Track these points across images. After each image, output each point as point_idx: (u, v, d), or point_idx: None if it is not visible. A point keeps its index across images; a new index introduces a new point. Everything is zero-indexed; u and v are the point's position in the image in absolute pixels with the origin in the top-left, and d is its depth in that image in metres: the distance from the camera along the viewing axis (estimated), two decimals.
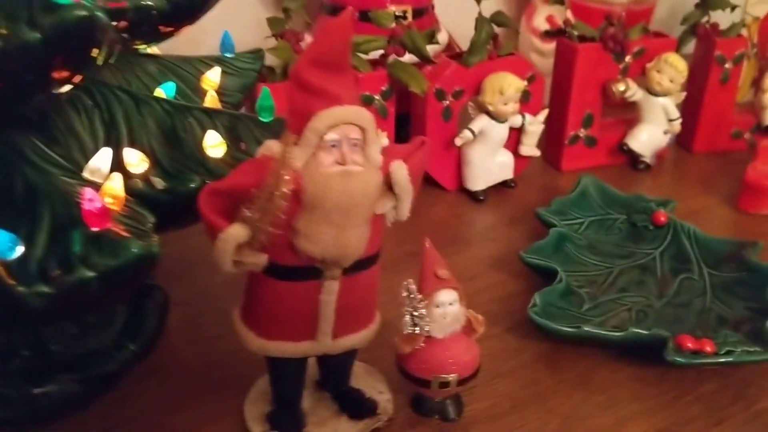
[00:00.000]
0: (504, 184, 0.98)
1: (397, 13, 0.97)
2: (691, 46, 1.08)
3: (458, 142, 0.92)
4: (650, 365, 0.66)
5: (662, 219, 0.83)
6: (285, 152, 0.46)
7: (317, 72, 0.46)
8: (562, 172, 1.04)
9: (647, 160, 1.04)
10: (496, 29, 0.92)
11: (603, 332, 0.65)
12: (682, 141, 1.11)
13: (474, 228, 0.92)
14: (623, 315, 0.72)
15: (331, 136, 0.46)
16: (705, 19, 1.04)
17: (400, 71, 0.85)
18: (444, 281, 0.57)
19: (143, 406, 0.62)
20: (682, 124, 1.11)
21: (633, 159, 1.04)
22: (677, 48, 1.05)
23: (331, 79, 0.46)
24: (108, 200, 0.48)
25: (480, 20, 0.88)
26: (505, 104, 0.90)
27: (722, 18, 1.09)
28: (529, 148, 0.98)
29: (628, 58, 0.99)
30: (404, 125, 0.96)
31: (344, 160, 0.47)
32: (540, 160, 1.06)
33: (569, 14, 1.08)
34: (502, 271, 0.81)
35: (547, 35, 1.02)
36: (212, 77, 0.71)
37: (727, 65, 1.04)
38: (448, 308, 0.57)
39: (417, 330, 0.56)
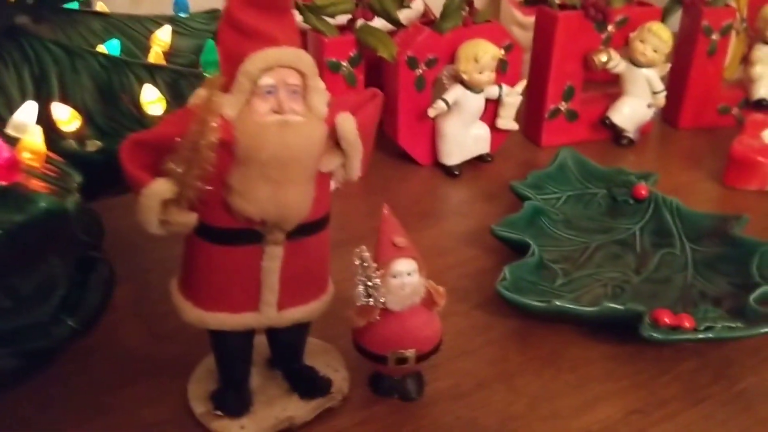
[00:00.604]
0: (480, 159, 0.93)
1: None
2: (678, 18, 1.04)
3: (431, 113, 0.88)
4: (626, 343, 0.62)
5: (643, 192, 0.79)
6: (210, 98, 0.41)
7: (251, 11, 0.42)
8: (542, 147, 0.99)
9: (630, 135, 1.00)
10: None
11: (575, 307, 0.61)
12: (668, 116, 1.07)
13: (447, 203, 0.88)
14: (598, 291, 0.67)
15: (265, 80, 0.42)
16: None
17: (368, 35, 0.80)
18: (401, 250, 0.52)
19: (82, 385, 0.58)
20: (668, 98, 1.07)
21: (616, 134, 1.00)
22: (662, 18, 1.01)
23: (267, 20, 0.42)
24: (26, 155, 0.44)
25: None
26: (481, 73, 0.86)
27: None
28: (507, 120, 0.93)
29: (610, 28, 0.95)
30: None
31: (281, 108, 0.42)
32: (519, 135, 1.02)
33: None
34: (474, 247, 0.77)
35: (527, 3, 0.97)
36: (162, 37, 0.67)
37: (713, 36, 1.00)
38: (406, 279, 0.52)
39: (371, 301, 0.52)
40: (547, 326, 0.64)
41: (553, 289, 0.67)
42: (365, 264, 0.51)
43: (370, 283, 0.51)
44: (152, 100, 0.52)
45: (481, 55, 0.84)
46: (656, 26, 0.93)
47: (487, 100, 0.91)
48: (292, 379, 0.56)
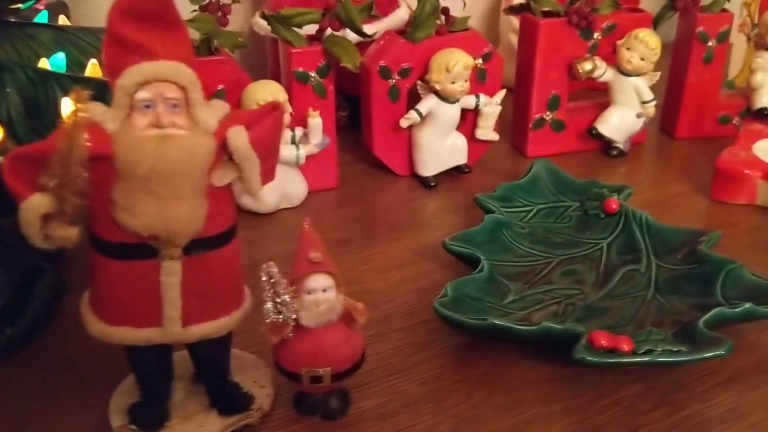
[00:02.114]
0: (458, 170, 0.91)
1: None
2: (673, 24, 1.00)
3: (403, 123, 0.86)
4: (569, 365, 0.59)
5: (614, 206, 0.76)
6: (77, 112, 0.41)
7: (131, 24, 0.41)
8: (528, 157, 0.97)
9: (620, 145, 0.96)
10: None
11: (510, 325, 0.58)
12: (665, 126, 1.04)
13: (419, 215, 0.86)
14: (551, 308, 0.65)
15: (142, 95, 0.41)
16: None
17: (334, 45, 0.79)
18: (317, 265, 0.51)
19: (11, 395, 0.58)
20: (664, 107, 1.03)
21: (605, 145, 0.97)
22: (654, 24, 0.97)
23: (148, 33, 0.42)
24: None
25: None
26: (453, 83, 0.84)
27: None
28: (486, 131, 0.91)
29: (596, 35, 0.92)
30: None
31: (159, 123, 0.42)
32: (506, 145, 1.00)
33: None
34: (432, 260, 0.75)
35: (511, 11, 0.95)
36: None
37: (710, 43, 0.96)
38: (320, 295, 0.51)
39: (281, 318, 0.51)
40: (490, 345, 0.62)
41: (501, 306, 0.65)
42: (273, 280, 0.50)
43: (279, 300, 0.50)
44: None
45: (452, 64, 0.83)
46: (643, 33, 0.90)
47: (465, 111, 0.89)
48: (213, 395, 0.55)
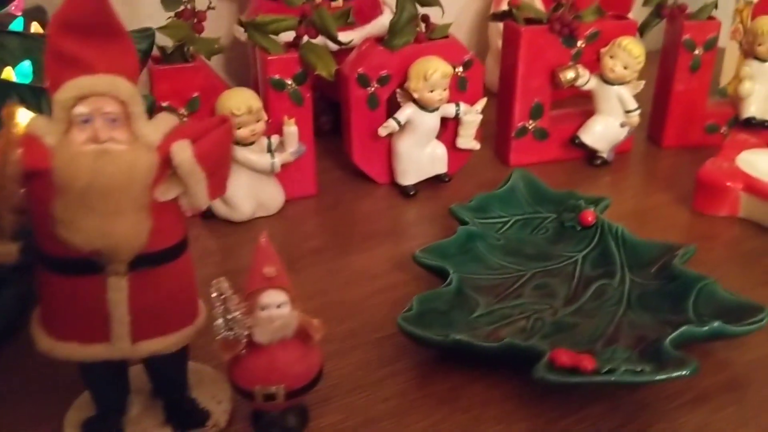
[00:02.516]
0: (438, 179, 0.90)
1: None
2: (660, 32, 0.99)
3: (382, 132, 0.86)
4: (534, 382, 0.58)
5: (589, 219, 0.74)
6: (9, 128, 0.40)
7: (71, 36, 0.41)
8: (510, 166, 0.96)
9: (604, 155, 0.95)
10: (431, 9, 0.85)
11: (473, 342, 0.57)
12: (652, 134, 1.02)
13: (396, 224, 0.85)
14: (519, 324, 0.64)
15: (79, 109, 0.41)
16: (671, 0, 0.94)
17: (309, 53, 0.79)
18: (271, 280, 0.50)
19: None
20: (651, 116, 1.02)
21: (589, 154, 0.96)
22: (641, 32, 0.96)
23: (89, 46, 0.41)
24: None
25: None
26: (431, 91, 0.83)
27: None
28: (466, 140, 0.90)
29: (580, 43, 0.91)
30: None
31: (97, 138, 0.41)
32: (490, 154, 0.99)
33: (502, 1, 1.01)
34: (406, 271, 0.74)
35: (494, 18, 0.94)
36: None
37: (697, 51, 0.95)
38: (274, 311, 0.50)
39: (232, 335, 0.50)
40: (458, 361, 0.61)
41: (469, 320, 0.64)
42: (223, 296, 0.49)
43: (229, 316, 0.49)
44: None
45: (430, 73, 0.82)
46: (626, 41, 0.88)
47: (446, 119, 0.88)
48: (169, 410, 0.54)
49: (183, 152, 0.43)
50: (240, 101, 0.76)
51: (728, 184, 0.81)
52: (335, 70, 0.79)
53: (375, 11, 0.98)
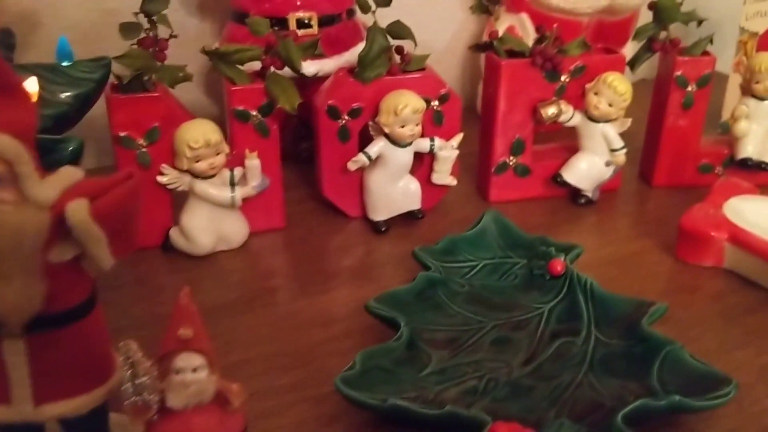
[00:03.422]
0: (411, 215, 0.87)
1: (304, 20, 0.89)
2: (653, 65, 0.95)
3: (351, 166, 0.82)
4: None
5: (558, 268, 0.70)
6: None
7: None
8: (491, 203, 0.92)
9: (589, 194, 0.91)
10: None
11: (413, 408, 0.54)
12: (644, 172, 0.98)
13: (362, 263, 0.82)
14: (470, 383, 0.60)
15: None
16: (663, 34, 0.90)
17: (273, 85, 0.76)
18: (186, 342, 0.47)
19: None
20: (644, 152, 0.98)
21: (574, 192, 0.91)
22: (632, 66, 0.92)
23: None
24: None
25: (372, 31, 0.78)
26: (402, 126, 0.80)
27: (691, 32, 0.95)
28: (442, 175, 0.87)
29: (564, 77, 0.87)
30: None
31: None
32: (471, 188, 0.95)
33: (502, 24, 0.98)
34: (365, 317, 0.69)
35: (476, 49, 0.90)
36: (29, 87, 0.65)
37: (689, 88, 0.90)
38: (189, 375, 0.47)
39: (140, 400, 0.47)
40: (400, 425, 0.57)
41: (417, 379, 0.60)
42: (131, 360, 0.46)
43: (138, 381, 0.46)
44: None
45: (400, 108, 0.78)
46: (612, 77, 0.84)
47: (420, 153, 0.85)
48: None
49: (78, 212, 0.40)
50: (197, 134, 0.73)
51: (713, 233, 0.77)
52: (299, 103, 0.76)
53: (356, 38, 0.94)
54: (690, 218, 0.78)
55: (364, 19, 0.98)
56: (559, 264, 0.71)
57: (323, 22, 0.89)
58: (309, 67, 0.88)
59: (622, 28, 1.10)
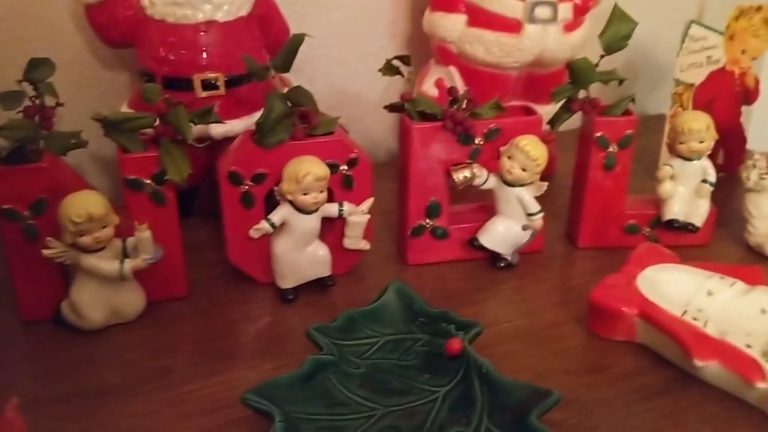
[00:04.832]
0: (321, 282, 0.84)
1: (210, 81, 0.86)
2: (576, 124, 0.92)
3: (253, 234, 0.79)
4: None
5: (456, 348, 0.67)
6: None
7: None
8: (409, 265, 0.89)
9: (508, 257, 0.88)
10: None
11: None
12: (570, 232, 0.95)
13: (262, 338, 0.78)
14: None
15: None
16: (582, 93, 0.87)
17: (164, 154, 0.73)
18: None
19: None
20: (570, 212, 0.95)
21: (493, 255, 0.88)
22: (552, 125, 0.89)
23: None
24: None
25: (271, 97, 0.75)
26: (305, 194, 0.77)
27: (611, 91, 0.93)
28: (354, 240, 0.84)
29: (478, 140, 0.84)
30: None
31: None
32: (392, 249, 0.92)
33: (431, 77, 0.96)
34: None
35: (390, 110, 0.87)
36: None
37: (611, 149, 0.88)
38: None
39: None
40: None
41: None
42: None
43: None
44: None
45: (302, 176, 0.75)
46: (525, 141, 0.81)
47: (328, 219, 0.82)
48: None
49: None
50: (80, 208, 0.69)
51: (623, 309, 0.73)
52: (188, 174, 0.73)
53: None
54: (600, 292, 0.75)
55: (287, 76, 0.96)
56: (456, 343, 0.67)
57: (231, 83, 0.86)
58: (217, 128, 0.86)
59: (555, 81, 1.07)
